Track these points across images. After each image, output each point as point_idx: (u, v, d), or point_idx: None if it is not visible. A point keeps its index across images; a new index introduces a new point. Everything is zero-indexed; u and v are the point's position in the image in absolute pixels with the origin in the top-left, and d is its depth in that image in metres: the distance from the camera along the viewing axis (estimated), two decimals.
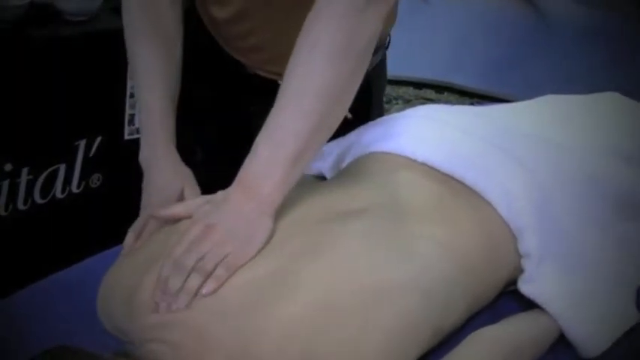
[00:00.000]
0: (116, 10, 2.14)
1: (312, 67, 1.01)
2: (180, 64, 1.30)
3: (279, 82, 1.35)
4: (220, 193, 1.08)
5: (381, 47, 1.46)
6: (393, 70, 3.47)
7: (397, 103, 3.57)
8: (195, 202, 1.11)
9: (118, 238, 1.20)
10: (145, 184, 1.23)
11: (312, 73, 1.01)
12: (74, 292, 1.16)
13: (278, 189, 1.03)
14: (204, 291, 0.95)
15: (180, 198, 1.20)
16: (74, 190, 2.11)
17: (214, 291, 0.95)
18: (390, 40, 1.50)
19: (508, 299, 1.18)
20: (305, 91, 1.01)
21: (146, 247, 1.09)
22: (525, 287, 1.13)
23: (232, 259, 0.98)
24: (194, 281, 0.96)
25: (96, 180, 2.14)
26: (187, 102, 1.31)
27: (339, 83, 1.02)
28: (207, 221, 1.02)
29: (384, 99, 3.51)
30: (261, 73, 1.38)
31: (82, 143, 2.07)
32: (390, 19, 1.42)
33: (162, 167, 1.22)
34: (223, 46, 1.41)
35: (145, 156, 1.25)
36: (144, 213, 1.20)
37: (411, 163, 1.22)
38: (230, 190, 1.05)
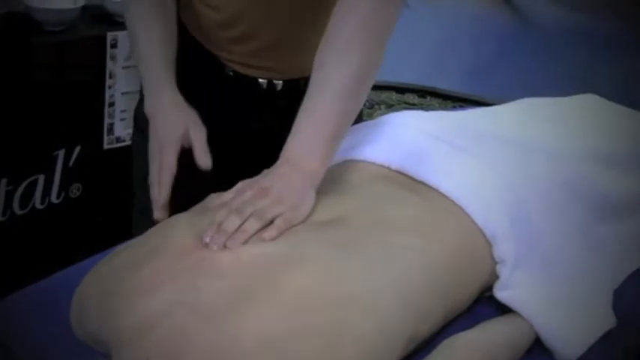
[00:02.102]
0: (94, 19, 2.16)
1: (347, 57, 1.13)
2: (175, 26, 1.34)
3: (259, 79, 1.38)
4: (266, 171, 1.13)
5: None
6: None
7: (380, 108, 3.57)
8: (241, 183, 1.13)
9: (100, 247, 1.20)
10: (151, 134, 1.25)
11: (347, 59, 1.13)
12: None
13: (322, 165, 1.12)
14: (266, 235, 1.01)
15: (186, 138, 1.21)
16: (54, 200, 2.10)
17: (274, 238, 1.01)
18: None
19: (485, 304, 1.18)
20: (341, 77, 1.12)
21: (120, 257, 1.08)
22: (501, 293, 1.13)
23: (289, 215, 1.04)
24: (253, 224, 1.01)
25: (75, 190, 2.14)
26: None
27: (369, 67, 1.15)
28: (259, 185, 1.08)
29: (367, 104, 3.54)
30: (241, 70, 1.38)
31: (61, 153, 2.06)
32: None
33: (168, 111, 1.24)
34: (203, 42, 1.40)
35: (149, 105, 1.27)
36: (152, 162, 1.22)
37: (386, 171, 1.22)
38: (276, 166, 1.12)
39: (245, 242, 1.00)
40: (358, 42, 1.13)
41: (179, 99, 1.26)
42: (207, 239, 0.99)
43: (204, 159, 1.20)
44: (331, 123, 1.12)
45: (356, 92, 1.15)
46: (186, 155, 1.21)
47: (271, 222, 1.03)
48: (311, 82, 1.15)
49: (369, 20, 1.13)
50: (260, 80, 1.38)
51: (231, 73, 1.38)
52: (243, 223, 1.01)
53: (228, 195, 1.10)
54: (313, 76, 1.15)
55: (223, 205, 1.06)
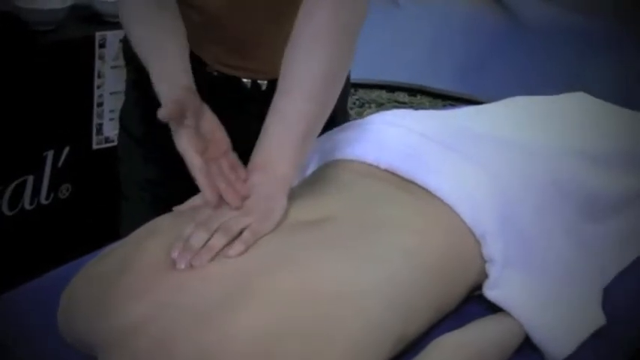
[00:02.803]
0: (82, 19, 2.15)
1: (315, 53, 1.10)
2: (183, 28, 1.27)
3: (243, 79, 1.37)
4: None
5: None
6: (365, 74, 3.52)
7: (370, 107, 3.57)
8: None
9: (89, 247, 1.19)
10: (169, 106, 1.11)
11: (315, 57, 1.10)
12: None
13: (292, 169, 1.09)
14: (231, 252, 0.97)
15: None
16: (43, 201, 2.09)
17: (242, 253, 0.97)
18: None
19: (474, 304, 1.18)
20: (310, 75, 1.10)
21: (115, 255, 1.07)
22: (490, 292, 1.13)
23: (256, 227, 1.01)
24: (219, 239, 0.98)
25: (65, 191, 2.13)
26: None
27: (339, 64, 1.12)
28: None
29: (357, 103, 3.54)
30: (225, 70, 1.37)
31: (50, 154, 2.05)
32: None
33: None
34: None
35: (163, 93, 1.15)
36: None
37: (375, 170, 1.22)
38: (247, 170, 1.09)
39: (211, 259, 0.97)
40: (324, 38, 1.10)
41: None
42: (175, 255, 0.97)
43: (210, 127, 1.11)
44: (300, 124, 1.09)
45: (325, 91, 1.12)
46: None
47: (240, 233, 1.00)
48: (279, 81, 1.12)
49: (334, 15, 1.10)
50: (244, 80, 1.38)
51: (215, 73, 1.37)
52: (210, 238, 0.98)
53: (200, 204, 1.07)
54: (281, 75, 1.12)
55: (194, 214, 1.03)
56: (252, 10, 1.28)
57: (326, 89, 1.11)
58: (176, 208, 1.12)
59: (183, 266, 0.96)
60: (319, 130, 1.14)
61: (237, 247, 0.98)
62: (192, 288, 0.94)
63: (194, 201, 1.11)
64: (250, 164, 1.09)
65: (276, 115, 1.10)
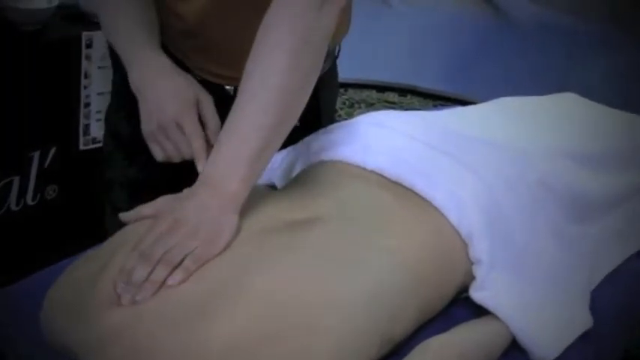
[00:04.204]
0: (68, 19, 2.14)
1: (272, 65, 1.05)
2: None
3: (226, 86, 1.35)
4: (186, 191, 1.07)
5: (331, 55, 1.45)
6: (355, 73, 3.51)
7: (360, 107, 3.57)
8: (159, 201, 1.09)
9: (76, 249, 1.18)
10: (148, 104, 1.18)
11: (272, 70, 1.05)
12: None
13: (243, 186, 1.04)
14: (170, 281, 0.94)
15: (197, 106, 1.17)
16: (29, 202, 2.08)
17: (181, 282, 0.94)
18: (340, 49, 1.48)
19: (461, 307, 1.17)
20: (266, 87, 1.05)
21: (91, 260, 1.07)
22: (476, 294, 1.13)
23: (200, 253, 0.97)
24: (161, 272, 0.94)
25: (51, 191, 2.12)
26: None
27: (298, 79, 1.07)
28: (174, 216, 1.00)
29: (347, 103, 3.53)
30: (209, 78, 1.36)
31: (36, 154, 2.04)
32: (342, 28, 1.40)
33: (172, 74, 1.19)
34: (170, 48, 1.39)
35: (138, 75, 1.19)
36: (151, 138, 1.17)
37: (361, 171, 1.21)
38: (195, 187, 1.05)
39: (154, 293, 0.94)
40: (282, 51, 1.05)
41: (173, 64, 1.21)
42: (119, 291, 0.95)
43: (215, 120, 1.16)
44: (254, 139, 1.04)
45: (282, 105, 1.05)
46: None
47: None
48: (238, 93, 1.07)
49: (293, 27, 1.05)
50: (227, 87, 1.36)
51: (198, 79, 1.36)
52: (153, 270, 0.95)
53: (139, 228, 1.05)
54: (240, 87, 1.07)
55: (134, 249, 0.99)
56: (232, 20, 1.27)
57: (283, 103, 1.05)
58: (122, 215, 1.10)
59: (126, 303, 0.93)
60: (277, 145, 1.09)
61: (177, 276, 0.94)
62: (170, 294, 0.94)
63: (143, 210, 1.08)
64: (199, 179, 1.06)
65: (230, 130, 1.06)
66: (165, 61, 1.22)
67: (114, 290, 0.95)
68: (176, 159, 1.19)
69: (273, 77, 1.05)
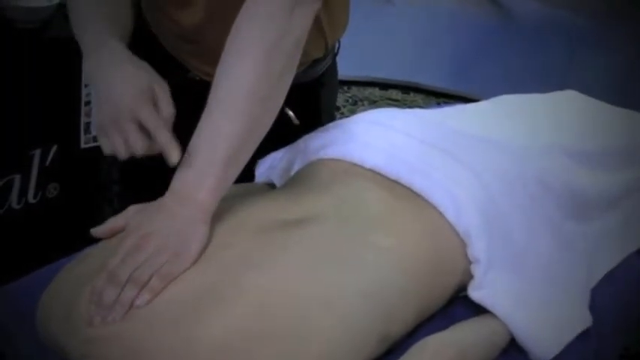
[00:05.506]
0: (69, 18, 2.13)
1: (241, 69, 1.02)
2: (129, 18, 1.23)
3: None
4: (154, 202, 1.05)
5: (330, 53, 1.44)
6: (358, 71, 3.51)
7: (363, 104, 3.56)
8: (129, 212, 1.07)
9: (77, 247, 1.17)
10: (101, 94, 1.08)
11: (242, 74, 1.02)
12: None
13: (212, 194, 1.01)
14: (137, 302, 0.93)
15: (152, 93, 1.07)
16: (30, 200, 2.07)
17: (148, 302, 0.93)
18: (339, 46, 1.48)
19: (460, 306, 1.17)
20: (235, 92, 1.02)
21: (85, 261, 1.07)
22: (475, 293, 1.12)
23: (167, 269, 0.95)
24: (129, 293, 0.94)
25: (53, 190, 2.11)
26: None
27: (269, 83, 1.03)
28: (141, 232, 0.99)
29: (350, 100, 3.53)
30: (205, 77, 1.36)
31: (38, 153, 2.04)
32: (340, 25, 1.40)
33: (124, 61, 1.09)
34: (168, 48, 1.39)
35: (91, 64, 1.11)
36: (101, 131, 1.07)
37: (359, 170, 1.21)
38: (164, 198, 1.03)
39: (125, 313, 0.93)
40: (250, 55, 1.02)
41: (132, 54, 1.13)
42: (90, 313, 0.94)
43: (169, 109, 1.05)
44: (223, 149, 1.01)
45: (251, 111, 1.03)
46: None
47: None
48: (207, 100, 1.04)
49: (262, 32, 1.03)
50: None
51: (197, 78, 1.36)
52: (122, 291, 0.94)
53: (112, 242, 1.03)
54: (209, 94, 1.04)
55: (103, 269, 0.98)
56: (228, 27, 1.26)
57: (252, 109, 1.02)
58: (93, 230, 1.08)
59: (97, 324, 0.93)
60: (248, 153, 1.06)
61: (144, 297, 0.93)
62: (166, 293, 0.94)
63: (113, 223, 1.07)
64: (169, 189, 1.03)
65: (198, 137, 1.03)
66: (121, 50, 1.12)
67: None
68: (122, 155, 1.05)
69: (239, 83, 1.02)
